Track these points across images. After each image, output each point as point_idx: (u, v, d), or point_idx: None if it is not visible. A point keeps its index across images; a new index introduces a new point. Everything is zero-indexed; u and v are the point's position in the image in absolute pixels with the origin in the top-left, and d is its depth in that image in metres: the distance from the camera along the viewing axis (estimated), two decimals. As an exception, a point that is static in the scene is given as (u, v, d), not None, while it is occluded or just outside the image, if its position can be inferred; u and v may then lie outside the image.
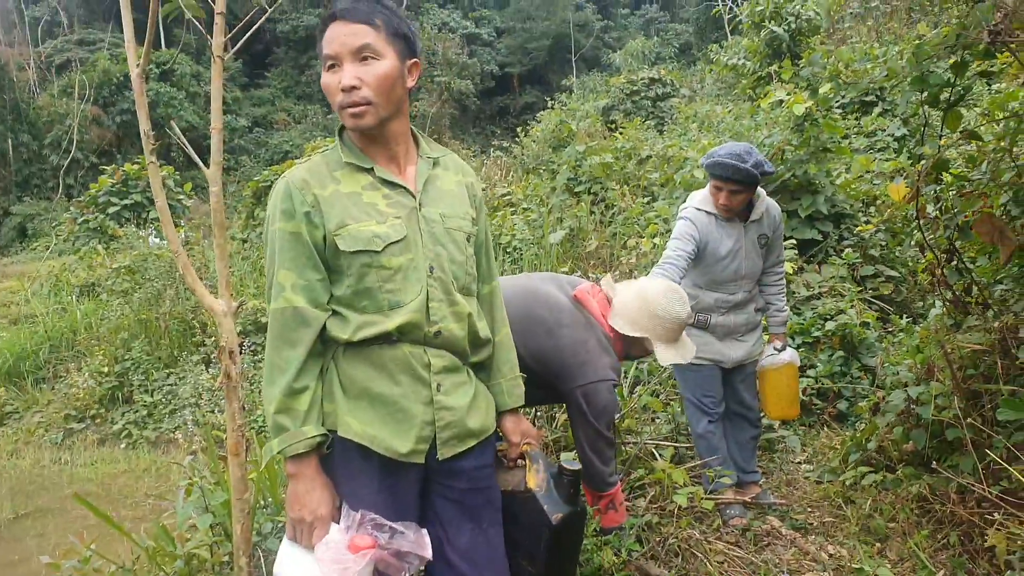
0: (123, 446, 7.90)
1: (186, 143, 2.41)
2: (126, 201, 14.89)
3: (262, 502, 2.88)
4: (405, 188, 1.68)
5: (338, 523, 1.58)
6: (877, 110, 9.10)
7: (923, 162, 2.75)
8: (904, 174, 2.78)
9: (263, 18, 2.54)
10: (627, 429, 3.46)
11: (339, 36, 1.60)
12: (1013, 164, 3.02)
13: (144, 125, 2.36)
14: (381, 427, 1.60)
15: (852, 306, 5.01)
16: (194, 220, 14.77)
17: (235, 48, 2.55)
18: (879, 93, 9.79)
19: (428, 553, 1.63)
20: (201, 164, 2.37)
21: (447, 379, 1.68)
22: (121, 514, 5.76)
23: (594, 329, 2.56)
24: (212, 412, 7.74)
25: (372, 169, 1.66)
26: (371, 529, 1.56)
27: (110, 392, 8.46)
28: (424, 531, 1.65)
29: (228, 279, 2.46)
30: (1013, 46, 2.21)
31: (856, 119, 8.54)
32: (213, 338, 8.80)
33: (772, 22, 12.48)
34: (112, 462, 7.50)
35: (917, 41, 2.75)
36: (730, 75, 15.12)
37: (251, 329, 8.80)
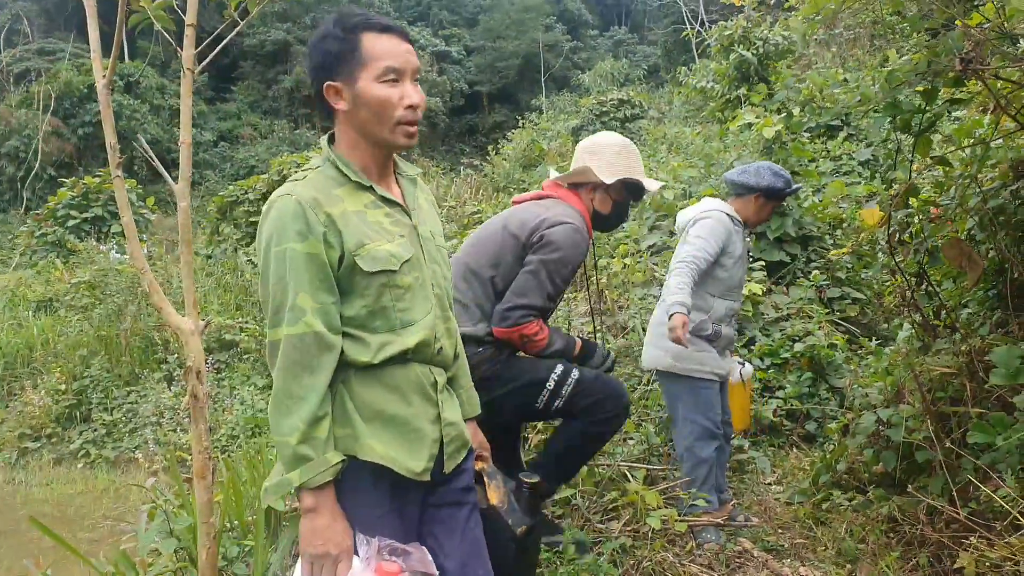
0: (80, 466, 7.68)
1: (154, 157, 2.35)
2: (86, 215, 14.57)
3: (228, 526, 2.80)
4: (402, 207, 1.67)
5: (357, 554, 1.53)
6: (842, 135, 9.29)
7: (895, 187, 2.79)
8: (876, 198, 2.82)
9: (235, 31, 2.49)
10: (600, 451, 3.43)
11: (402, 52, 1.56)
12: (979, 190, 3.09)
13: (110, 138, 2.30)
14: (398, 448, 1.57)
15: (820, 328, 5.07)
16: (157, 235, 14.51)
17: (205, 61, 2.50)
18: (844, 118, 10.00)
19: (434, 571, 1.61)
20: (169, 179, 2.31)
21: (445, 395, 1.71)
22: (78, 537, 5.57)
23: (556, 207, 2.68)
24: (174, 431, 7.57)
25: (372, 187, 1.62)
26: (388, 555, 1.53)
27: (67, 410, 8.24)
28: (424, 548, 1.62)
29: (195, 297, 2.39)
30: (984, 74, 2.26)
31: (823, 143, 8.70)
32: (176, 355, 8.63)
33: (740, 46, 12.69)
34: (69, 482, 7.29)
35: (887, 68, 2.79)
36: (698, 98, 15.33)
37: (215, 347, 8.65)
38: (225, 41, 2.51)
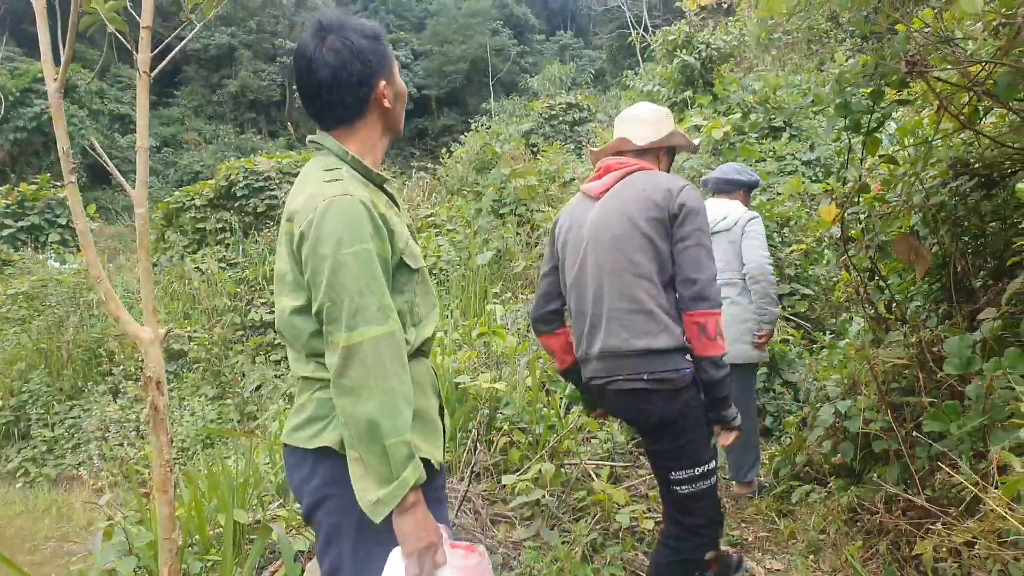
0: (19, 485, 7.39)
1: (108, 162, 2.28)
2: (22, 223, 14.01)
3: (190, 542, 2.72)
4: (399, 206, 1.75)
5: None
6: (786, 135, 9.53)
7: (849, 184, 2.88)
8: (832, 196, 2.91)
9: (193, 32, 2.44)
10: (565, 451, 3.45)
11: None
12: (921, 188, 3.20)
13: (63, 143, 2.23)
14: (426, 441, 1.63)
15: (772, 323, 5.18)
16: (99, 243, 14.06)
17: (161, 64, 2.44)
18: (787, 119, 10.26)
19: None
20: (127, 184, 2.25)
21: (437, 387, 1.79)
22: (19, 559, 5.33)
23: (645, 179, 2.33)
24: (121, 446, 7.33)
25: (385, 189, 1.70)
26: (447, 536, 1.58)
27: (4, 427, 7.92)
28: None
29: (154, 305, 2.33)
30: (927, 76, 2.35)
31: (770, 144, 8.91)
32: (122, 367, 8.36)
33: (684, 51, 12.92)
34: (7, 503, 6.98)
35: (835, 70, 2.88)
36: (645, 101, 15.55)
37: (164, 357, 8.40)
38: (183, 43, 2.45)
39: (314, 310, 1.51)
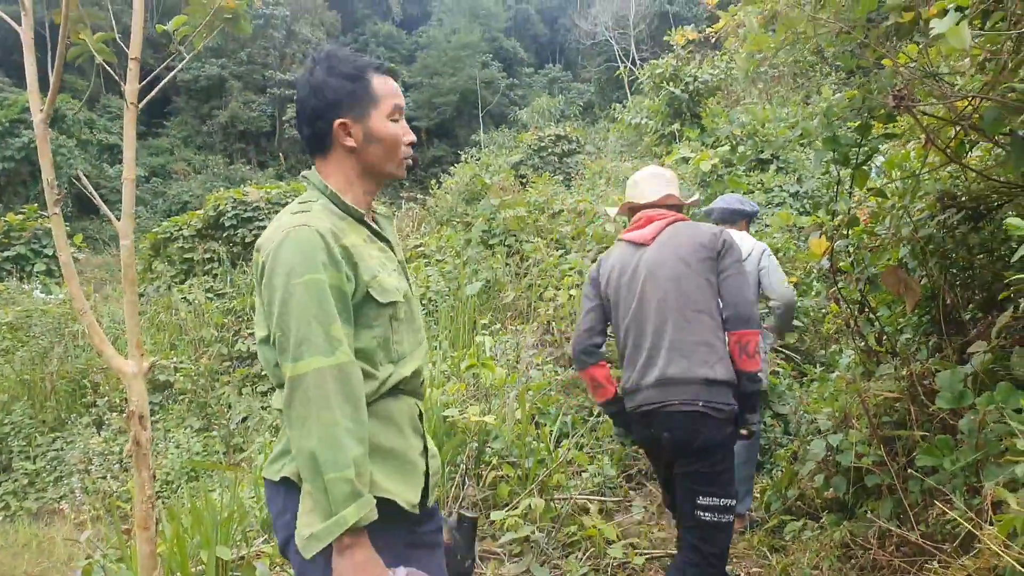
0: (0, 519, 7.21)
1: (95, 194, 2.26)
2: (8, 253, 13.93)
3: (171, 580, 2.65)
4: (388, 242, 1.73)
5: None
6: (773, 167, 9.63)
7: (839, 217, 2.89)
8: (822, 229, 2.92)
9: (182, 64, 2.44)
10: (556, 485, 3.40)
11: (400, 93, 1.68)
12: (910, 220, 3.22)
13: (48, 174, 2.21)
14: (396, 481, 1.57)
15: (762, 355, 5.17)
16: (85, 273, 13.96)
17: (149, 96, 2.43)
18: (774, 152, 10.38)
19: None
20: (112, 216, 2.23)
21: (424, 428, 1.74)
22: (-3, 597, 5.21)
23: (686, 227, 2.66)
24: (104, 479, 7.20)
25: (367, 223, 1.67)
26: None
27: (-15, 460, 7.76)
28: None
29: (139, 338, 2.30)
30: (915, 110, 2.37)
31: (758, 176, 9.00)
32: (106, 399, 8.25)
33: (671, 84, 13.10)
34: (-14, 538, 6.82)
35: (822, 104, 2.90)
36: (633, 133, 15.71)
37: (148, 388, 8.29)
38: (172, 75, 2.45)
39: (271, 340, 1.52)
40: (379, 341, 1.59)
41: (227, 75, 35.45)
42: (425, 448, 1.69)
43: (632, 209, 2.82)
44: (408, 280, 1.72)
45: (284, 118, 34.93)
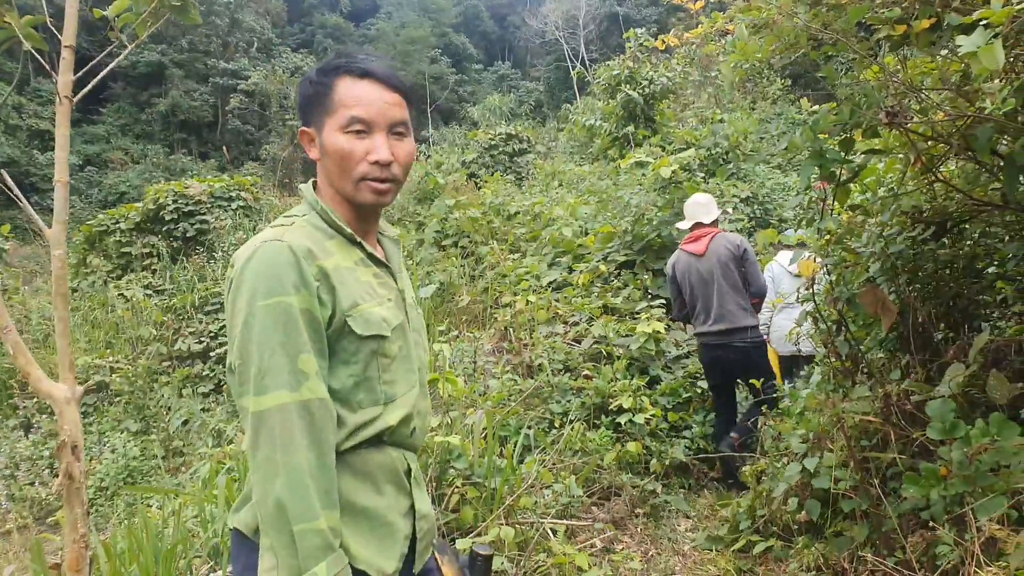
0: (-87, 533, 6.71)
1: (22, 197, 2.02)
2: (-74, 245, 13.14)
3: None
4: (389, 269, 1.51)
5: None
6: (726, 173, 9.67)
7: (827, 236, 2.82)
8: (807, 248, 2.85)
9: (124, 53, 2.21)
10: (521, 508, 3.25)
11: (378, 102, 1.40)
12: (881, 237, 3.18)
13: (-32, 174, 1.96)
14: (365, 545, 1.35)
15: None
16: (13, 266, 13.22)
17: (86, 89, 2.19)
18: (725, 157, 10.46)
19: None
20: (42, 224, 1.99)
21: (416, 483, 1.50)
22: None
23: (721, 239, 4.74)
24: (32, 485, 6.78)
25: (361, 244, 1.45)
26: None
27: (-102, 469, 7.21)
28: None
29: (71, 359, 2.06)
30: (907, 127, 2.30)
31: (716, 182, 9.02)
32: (34, 399, 7.78)
33: (627, 86, 13.07)
34: (-102, 555, 6.33)
35: (809, 115, 2.81)
36: (584, 134, 15.68)
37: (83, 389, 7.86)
38: (110, 68, 2.22)
39: (232, 368, 1.31)
40: (357, 380, 1.37)
41: (167, 62, 34.28)
42: (412, 508, 1.47)
43: (694, 225, 4.84)
44: (407, 312, 1.51)
45: (227, 108, 33.92)
